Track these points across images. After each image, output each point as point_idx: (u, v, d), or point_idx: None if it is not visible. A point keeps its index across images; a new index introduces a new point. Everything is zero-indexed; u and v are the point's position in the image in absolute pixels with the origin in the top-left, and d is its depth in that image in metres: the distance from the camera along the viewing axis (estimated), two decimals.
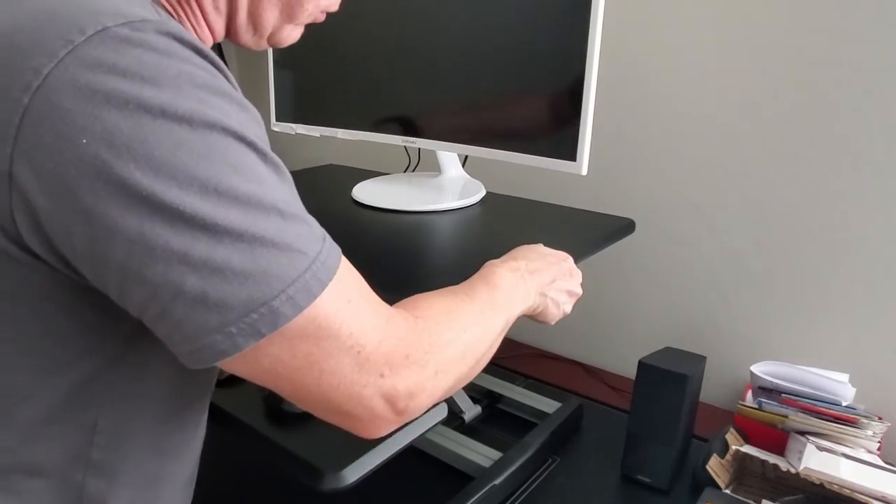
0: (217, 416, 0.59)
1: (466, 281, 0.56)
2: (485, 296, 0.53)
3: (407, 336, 0.43)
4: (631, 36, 0.97)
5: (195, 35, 0.48)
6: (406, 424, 0.57)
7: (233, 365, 0.39)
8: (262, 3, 0.49)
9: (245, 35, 0.51)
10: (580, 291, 0.66)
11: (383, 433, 0.45)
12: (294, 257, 0.37)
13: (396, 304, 0.48)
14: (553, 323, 0.64)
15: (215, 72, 0.38)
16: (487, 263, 0.59)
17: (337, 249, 0.41)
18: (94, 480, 0.45)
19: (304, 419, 0.57)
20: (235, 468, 0.76)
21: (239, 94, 0.39)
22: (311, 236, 0.39)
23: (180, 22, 0.46)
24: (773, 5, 0.86)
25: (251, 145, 0.37)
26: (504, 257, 0.62)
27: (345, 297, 0.40)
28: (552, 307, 0.62)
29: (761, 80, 0.88)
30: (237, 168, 0.36)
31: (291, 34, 0.53)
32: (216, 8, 0.48)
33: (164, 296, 0.35)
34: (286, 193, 0.39)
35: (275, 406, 0.57)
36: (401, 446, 0.56)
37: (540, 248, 0.65)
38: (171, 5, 0.46)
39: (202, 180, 0.35)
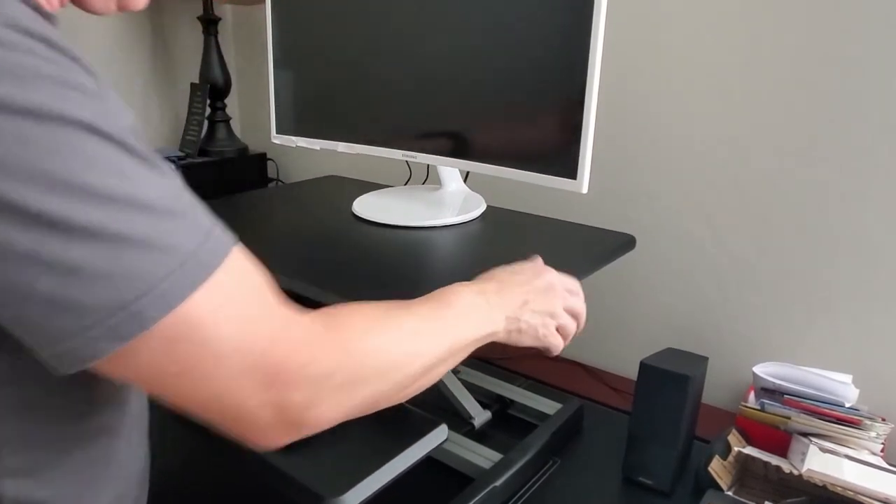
0: (212, 437, 0.58)
1: (423, 297, 0.53)
2: (430, 313, 0.50)
3: (307, 343, 0.40)
4: (631, 42, 0.97)
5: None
6: (408, 447, 0.57)
7: (106, 369, 0.36)
8: None
9: None
10: (558, 309, 0.60)
11: (278, 445, 0.42)
12: (161, 255, 0.35)
13: (314, 311, 0.44)
14: (541, 346, 0.60)
15: (68, 63, 0.35)
16: (454, 284, 0.56)
17: (225, 245, 0.38)
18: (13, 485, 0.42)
19: (303, 442, 0.56)
20: (232, 493, 0.76)
21: (95, 86, 0.36)
22: (189, 232, 0.36)
23: None
24: (773, 7, 0.85)
25: (111, 138, 0.35)
26: (477, 278, 0.59)
27: (226, 297, 0.37)
28: (528, 332, 0.58)
29: (763, 81, 0.88)
30: (94, 163, 0.34)
31: None
32: None
33: (16, 297, 0.33)
34: (158, 187, 0.36)
35: None
36: (403, 469, 0.55)
37: (518, 266, 0.62)
38: None
39: (50, 176, 0.32)
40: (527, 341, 0.59)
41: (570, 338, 0.63)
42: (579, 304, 0.63)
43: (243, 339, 0.38)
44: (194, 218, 0.38)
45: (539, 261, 0.65)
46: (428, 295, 0.53)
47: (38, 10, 0.37)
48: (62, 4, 0.46)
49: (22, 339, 0.36)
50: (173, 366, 0.37)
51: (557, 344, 0.61)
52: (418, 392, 0.50)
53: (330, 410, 0.42)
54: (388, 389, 0.46)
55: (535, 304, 0.58)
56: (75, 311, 0.33)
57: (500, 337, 0.57)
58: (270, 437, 0.41)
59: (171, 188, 0.37)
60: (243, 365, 0.38)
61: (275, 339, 0.39)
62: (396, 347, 0.46)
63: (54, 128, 0.33)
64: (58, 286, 0.33)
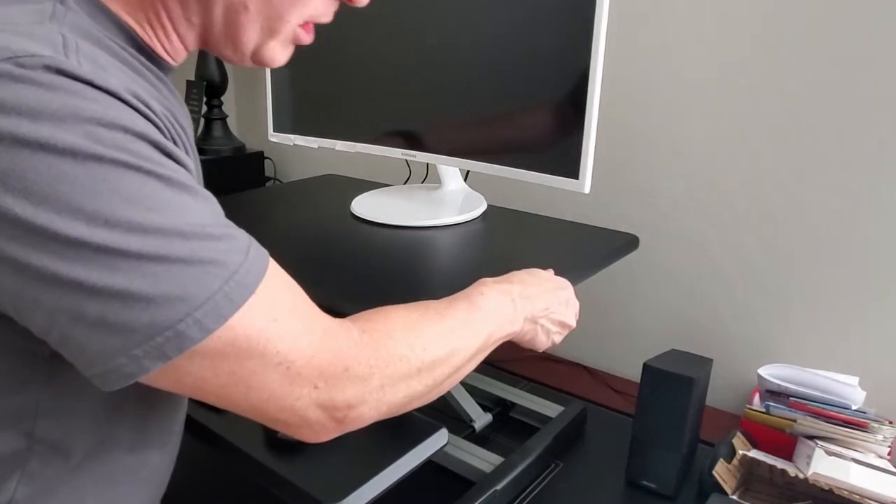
0: (213, 443, 0.58)
1: (450, 296, 0.55)
2: (461, 315, 0.52)
3: (346, 349, 0.43)
4: (633, 40, 0.96)
5: (161, 49, 0.47)
6: (408, 451, 0.57)
7: (154, 382, 0.38)
8: (240, 17, 0.46)
9: (225, 50, 0.49)
10: (573, 324, 0.66)
11: (325, 439, 0.45)
12: (202, 279, 0.37)
13: (351, 316, 0.47)
14: (540, 350, 0.64)
15: (113, 102, 0.37)
16: (479, 281, 0.58)
17: (262, 264, 0.40)
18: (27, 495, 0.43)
19: (303, 448, 0.56)
20: (233, 498, 0.75)
21: (142, 121, 0.38)
22: (227, 254, 0.38)
23: (146, 35, 0.46)
24: (777, 5, 0.84)
25: (150, 173, 0.37)
26: (500, 278, 0.61)
27: (269, 315, 0.40)
28: (541, 335, 0.63)
29: (768, 78, 0.87)
30: (132, 199, 0.36)
31: (277, 53, 0.51)
32: (188, 19, 0.46)
33: (62, 321, 0.35)
34: (197, 214, 0.38)
35: (273, 434, 0.56)
36: (403, 473, 0.55)
37: (540, 273, 0.64)
38: (136, 19, 0.45)
39: (89, 212, 0.34)
40: (537, 343, 0.63)
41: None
42: (574, 323, 0.67)
43: (289, 351, 0.40)
44: (232, 239, 0.40)
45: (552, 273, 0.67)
46: (455, 295, 0.55)
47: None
48: (188, 51, 0.49)
49: (68, 357, 0.38)
50: (219, 378, 0.39)
51: (544, 347, 0.65)
52: (443, 393, 0.52)
53: (371, 410, 0.45)
54: (421, 389, 0.48)
55: (555, 314, 0.62)
56: (120, 333, 0.35)
57: (517, 337, 0.60)
58: (317, 433, 0.44)
59: (208, 211, 0.39)
60: (290, 374, 0.40)
61: (316, 349, 0.41)
62: (430, 349, 0.48)
63: (93, 166, 0.35)
64: (103, 310, 0.35)
